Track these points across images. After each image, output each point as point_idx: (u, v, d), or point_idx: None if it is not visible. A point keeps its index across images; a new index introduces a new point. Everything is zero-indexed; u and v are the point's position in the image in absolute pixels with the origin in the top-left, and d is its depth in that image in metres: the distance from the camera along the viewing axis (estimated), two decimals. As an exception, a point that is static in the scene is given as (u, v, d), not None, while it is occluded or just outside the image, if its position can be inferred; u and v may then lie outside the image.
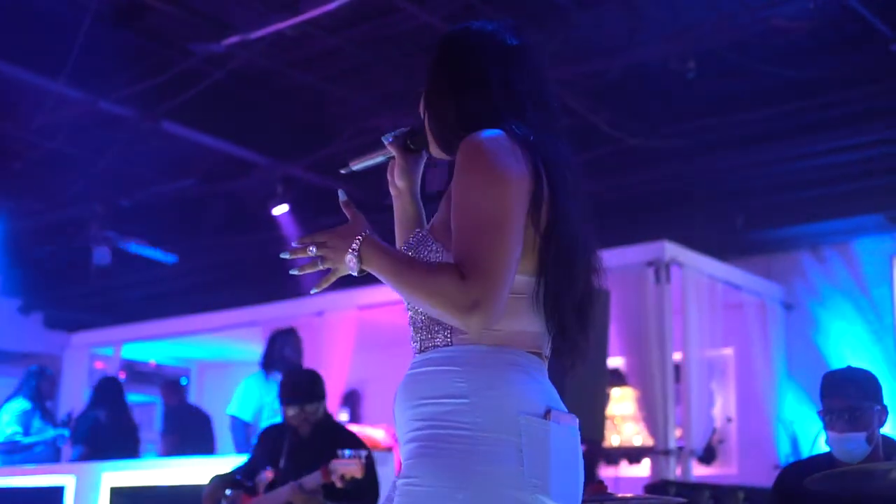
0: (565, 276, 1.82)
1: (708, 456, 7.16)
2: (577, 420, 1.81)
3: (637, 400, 6.57)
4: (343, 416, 8.99)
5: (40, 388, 7.51)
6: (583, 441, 1.87)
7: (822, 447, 3.34)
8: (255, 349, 8.54)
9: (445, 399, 1.75)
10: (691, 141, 6.95)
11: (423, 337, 1.84)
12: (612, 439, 7.62)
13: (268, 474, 4.17)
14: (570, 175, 1.85)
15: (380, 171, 2.09)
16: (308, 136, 7.54)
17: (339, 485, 3.78)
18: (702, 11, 5.71)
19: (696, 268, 6.68)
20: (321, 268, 1.84)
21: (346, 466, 3.76)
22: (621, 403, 7.73)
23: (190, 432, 7.91)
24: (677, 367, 6.51)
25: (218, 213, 8.97)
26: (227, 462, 4.82)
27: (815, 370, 5.31)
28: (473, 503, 1.68)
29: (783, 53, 6.09)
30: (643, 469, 7.00)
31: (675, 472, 6.23)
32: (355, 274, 1.80)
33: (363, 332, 7.61)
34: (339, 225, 1.83)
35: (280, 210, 8.04)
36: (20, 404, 7.38)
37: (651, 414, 6.29)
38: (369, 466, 3.88)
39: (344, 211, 1.86)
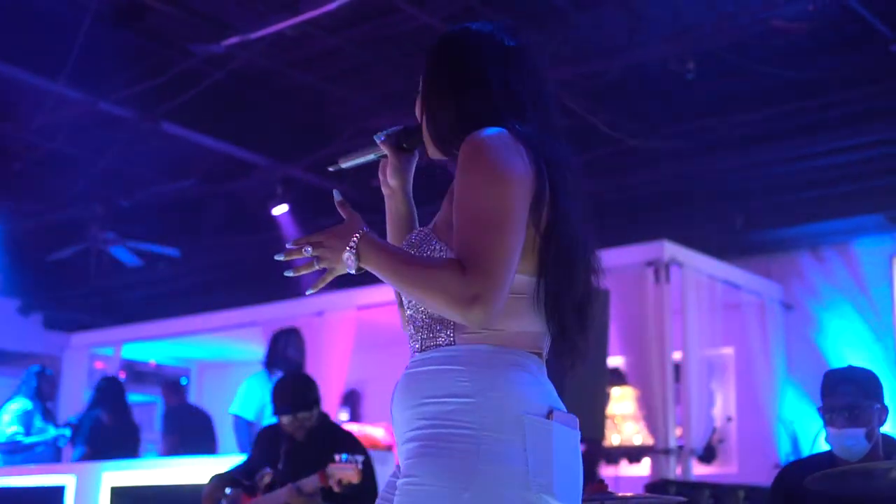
0: (565, 276, 1.82)
1: (708, 455, 7.17)
2: (578, 420, 1.82)
3: (637, 399, 6.58)
4: (343, 416, 8.99)
5: (41, 387, 7.51)
6: (583, 440, 1.87)
7: (822, 446, 3.34)
8: (254, 349, 8.55)
9: (448, 398, 1.75)
10: (691, 141, 6.96)
11: (425, 336, 1.83)
12: (613, 438, 7.63)
13: (266, 474, 4.17)
14: (571, 175, 1.85)
15: (378, 170, 2.09)
16: (308, 137, 7.54)
17: (336, 489, 3.78)
18: (701, 12, 5.71)
19: (695, 267, 6.69)
20: (317, 268, 1.82)
21: (344, 471, 3.75)
22: (621, 403, 7.73)
23: (190, 432, 7.91)
24: (677, 367, 6.51)
25: (218, 213, 8.98)
26: (228, 461, 4.82)
27: (815, 370, 5.32)
28: (479, 503, 1.68)
29: (783, 54, 6.09)
30: (643, 468, 7.01)
31: (675, 471, 6.23)
32: (353, 272, 1.79)
33: (362, 332, 7.62)
34: (335, 225, 1.82)
35: (280, 210, 8.04)
36: (21, 404, 7.38)
37: (651, 413, 6.29)
38: (367, 470, 3.86)
39: (339, 211, 1.85)
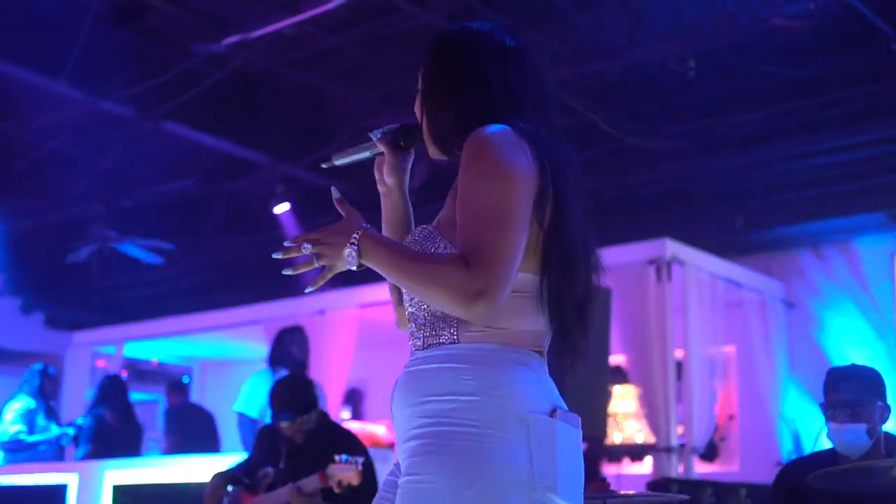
0: (568, 275, 1.82)
1: (710, 453, 7.18)
2: (580, 419, 1.82)
3: (639, 397, 6.58)
4: (345, 415, 9.01)
5: (44, 386, 7.50)
6: (585, 439, 1.88)
7: (824, 444, 3.35)
8: (256, 347, 8.57)
9: (452, 396, 1.75)
10: (692, 140, 6.96)
11: (427, 334, 1.83)
12: (615, 437, 7.64)
13: (268, 473, 4.18)
14: (572, 174, 1.86)
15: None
16: (308, 136, 7.55)
17: (336, 490, 3.78)
18: (701, 11, 5.71)
19: (697, 266, 6.69)
20: (317, 265, 1.81)
21: (343, 472, 3.75)
22: (623, 401, 7.74)
23: (192, 430, 7.92)
24: (679, 365, 6.52)
25: (219, 212, 8.98)
26: (230, 460, 4.83)
27: (817, 368, 5.33)
28: (483, 501, 1.68)
29: (784, 53, 6.09)
30: (645, 466, 7.02)
31: (677, 469, 6.23)
32: (354, 268, 1.78)
33: (364, 331, 7.62)
34: (333, 222, 1.81)
35: (281, 209, 8.05)
36: (24, 402, 7.37)
37: (653, 411, 6.30)
38: (367, 471, 3.86)
39: (338, 208, 1.84)
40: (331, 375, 7.33)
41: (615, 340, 6.09)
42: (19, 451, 7.30)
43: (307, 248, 1.79)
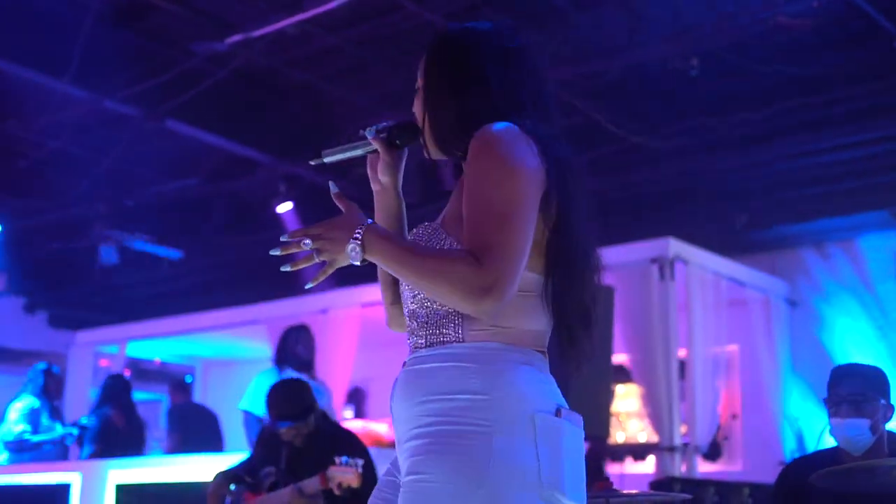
0: (572, 275, 1.82)
1: (713, 452, 7.17)
2: (582, 419, 1.82)
3: (642, 396, 6.57)
4: (348, 414, 9.01)
5: (48, 385, 7.50)
6: (588, 438, 1.88)
7: (827, 443, 3.34)
8: (259, 347, 8.57)
9: (458, 395, 1.74)
10: (694, 140, 6.95)
11: (430, 332, 1.81)
12: (617, 436, 7.64)
13: (271, 473, 4.18)
14: (576, 173, 1.85)
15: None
16: (311, 135, 7.54)
17: (336, 492, 3.77)
18: (702, 11, 5.70)
19: (700, 264, 6.68)
20: (317, 261, 1.78)
21: (344, 475, 3.74)
22: (626, 400, 7.74)
23: (195, 430, 7.93)
24: (682, 364, 6.51)
25: (221, 211, 8.98)
26: (233, 459, 4.83)
27: (820, 367, 5.32)
28: (493, 499, 1.67)
29: (786, 51, 6.08)
30: (648, 466, 7.01)
31: (680, 468, 6.23)
32: (357, 264, 1.75)
33: (367, 330, 7.61)
34: (333, 217, 1.79)
35: (284, 208, 8.05)
36: (28, 402, 7.36)
37: (656, 410, 6.29)
38: (367, 473, 3.85)
39: (336, 202, 1.82)
40: (333, 374, 7.33)
41: (618, 340, 6.08)
42: (24, 451, 7.30)
43: (307, 244, 1.76)
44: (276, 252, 1.80)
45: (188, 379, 10.47)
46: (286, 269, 1.84)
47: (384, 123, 1.99)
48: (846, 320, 7.65)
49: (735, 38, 5.83)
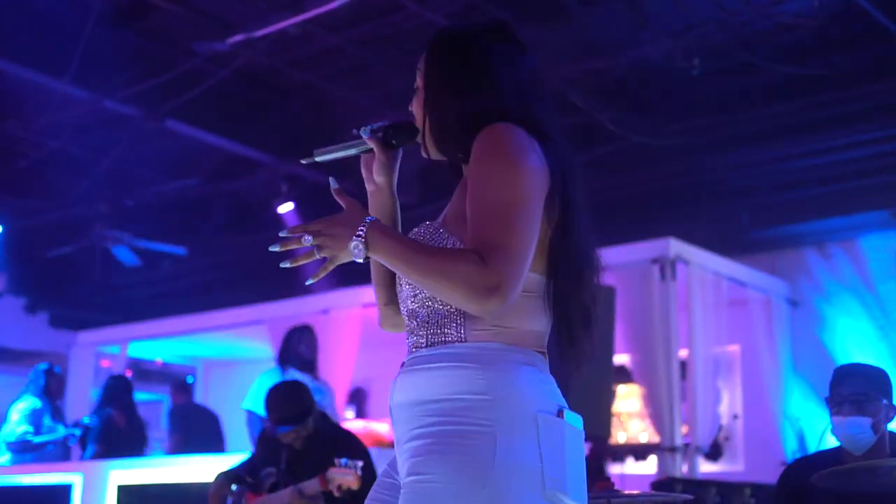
0: (574, 276, 1.82)
1: (714, 453, 7.16)
2: (582, 419, 1.81)
3: (643, 397, 6.56)
4: (349, 414, 9.00)
5: (49, 386, 7.49)
6: (589, 438, 1.87)
7: (829, 443, 3.34)
8: (260, 347, 8.56)
9: (461, 395, 1.73)
10: (695, 139, 6.95)
11: (431, 332, 1.80)
12: (619, 436, 7.62)
13: (272, 474, 4.17)
14: (578, 174, 1.85)
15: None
16: (313, 135, 7.54)
17: (336, 494, 3.77)
18: (706, 9, 5.70)
19: (701, 265, 6.68)
20: (318, 257, 1.75)
21: (344, 477, 3.73)
22: (627, 400, 7.73)
23: (196, 430, 7.93)
24: (683, 364, 6.50)
25: (222, 211, 8.99)
26: (234, 459, 4.83)
27: (821, 367, 5.31)
28: (496, 500, 1.66)
29: (788, 50, 6.08)
30: (650, 466, 7.00)
31: (681, 468, 6.22)
32: (360, 261, 1.73)
33: (368, 330, 7.61)
34: (334, 213, 1.77)
35: (285, 208, 8.05)
36: (30, 403, 7.35)
37: (657, 411, 6.28)
38: (367, 474, 3.85)
39: (337, 199, 1.81)
40: (335, 375, 7.32)
41: (619, 340, 6.08)
42: (26, 452, 7.29)
43: (308, 240, 1.74)
44: (275, 248, 1.77)
45: (189, 379, 10.45)
46: (286, 265, 1.82)
47: (379, 123, 1.98)
48: (847, 320, 7.65)
49: (737, 37, 5.83)
